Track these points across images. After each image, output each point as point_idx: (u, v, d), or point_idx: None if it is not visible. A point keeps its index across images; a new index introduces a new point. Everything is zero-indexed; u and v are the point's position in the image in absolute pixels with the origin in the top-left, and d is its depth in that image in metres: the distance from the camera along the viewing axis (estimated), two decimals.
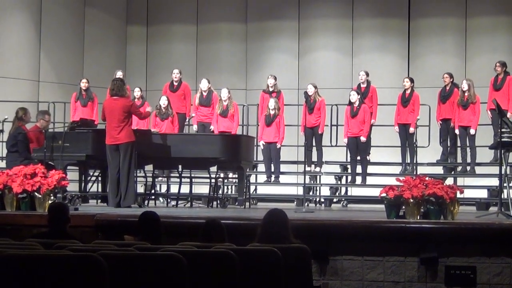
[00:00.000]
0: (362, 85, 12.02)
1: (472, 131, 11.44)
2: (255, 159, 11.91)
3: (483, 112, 11.52)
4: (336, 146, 12.32)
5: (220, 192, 11.19)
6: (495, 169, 10.06)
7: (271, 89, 12.16)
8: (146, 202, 10.73)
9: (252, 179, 12.31)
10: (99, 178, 10.98)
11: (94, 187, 11.10)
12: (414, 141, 11.83)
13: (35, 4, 14.27)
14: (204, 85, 12.18)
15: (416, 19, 14.63)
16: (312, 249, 5.82)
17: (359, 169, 11.78)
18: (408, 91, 11.80)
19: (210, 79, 12.42)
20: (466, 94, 11.39)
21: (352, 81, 13.47)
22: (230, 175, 11.45)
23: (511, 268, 7.10)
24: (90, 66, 14.66)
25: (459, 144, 11.69)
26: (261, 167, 12.35)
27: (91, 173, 11.00)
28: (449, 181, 10.34)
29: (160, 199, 11.81)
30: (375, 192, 9.10)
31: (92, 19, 15.15)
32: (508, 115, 9.91)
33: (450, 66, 13.09)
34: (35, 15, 14.26)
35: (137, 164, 9.79)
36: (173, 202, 11.27)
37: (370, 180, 11.70)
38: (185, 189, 11.22)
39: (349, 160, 11.93)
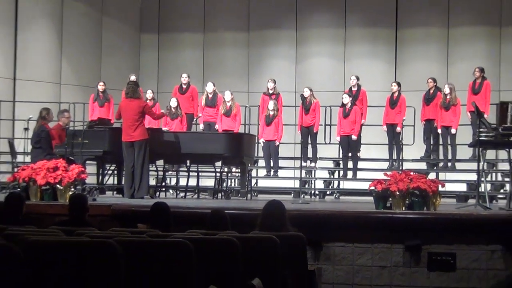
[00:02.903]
0: (353, 89, 12.02)
1: (453, 131, 11.45)
2: (256, 155, 11.89)
3: (463, 113, 11.53)
4: (329, 143, 12.32)
5: (224, 185, 11.22)
6: (473, 165, 10.04)
7: (270, 92, 12.15)
8: (157, 193, 10.73)
9: (253, 173, 12.30)
10: (115, 172, 10.98)
11: (110, 180, 11.12)
12: (400, 139, 11.86)
13: (57, 13, 14.26)
14: (209, 88, 12.17)
15: (403, 28, 14.61)
16: (307, 237, 5.83)
17: (350, 164, 11.77)
18: (396, 94, 11.80)
19: (215, 82, 12.40)
20: (448, 97, 11.40)
21: (344, 84, 13.45)
22: (233, 169, 11.45)
23: (487, 254, 7.11)
24: (107, 70, 14.66)
25: (441, 142, 11.69)
26: (261, 163, 12.34)
27: (108, 167, 11.00)
28: (432, 175, 10.34)
29: (170, 191, 11.81)
30: (365, 186, 9.11)
31: (109, 28, 15.14)
32: (486, 116, 9.90)
33: (434, 72, 13.06)
34: (57, 24, 14.26)
35: (150, 159, 9.79)
36: (182, 194, 11.29)
37: (360, 174, 11.71)
38: (192, 182, 11.23)
39: (341, 156, 11.93)
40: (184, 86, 12.31)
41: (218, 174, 10.88)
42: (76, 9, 14.60)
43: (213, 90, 12.14)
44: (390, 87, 12.08)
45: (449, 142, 11.57)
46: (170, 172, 11.72)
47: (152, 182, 10.68)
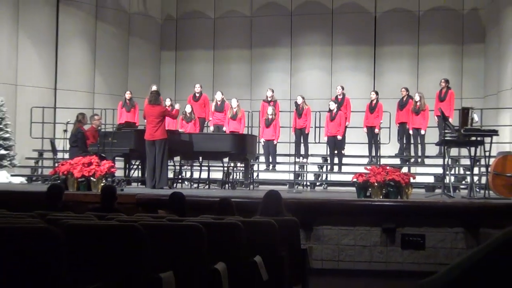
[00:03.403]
0: (339, 97, 12.02)
1: (422, 132, 11.47)
2: (257, 152, 11.92)
3: (431, 117, 11.53)
4: (318, 143, 12.33)
5: (231, 177, 11.22)
6: (439, 161, 10.06)
7: (269, 99, 12.15)
8: (174, 184, 10.73)
9: (255, 167, 12.32)
10: (139, 167, 11.01)
11: (135, 173, 11.14)
12: (378, 139, 11.87)
13: (91, 34, 14.29)
14: (218, 96, 12.20)
15: (380, 46, 14.60)
16: (300, 221, 5.84)
17: (336, 160, 11.80)
18: (374, 101, 11.82)
19: (223, 91, 12.44)
20: (418, 103, 11.41)
21: (331, 93, 13.45)
22: (238, 164, 11.46)
23: (452, 235, 7.12)
24: (132, 81, 14.67)
25: (412, 141, 11.69)
26: (262, 159, 12.38)
27: (133, 163, 11.02)
28: (404, 169, 10.33)
29: (185, 182, 11.82)
30: (348, 178, 9.14)
31: (134, 46, 15.15)
32: (450, 120, 9.90)
33: (406, 82, 13.07)
34: (91, 42, 14.29)
35: (168, 155, 9.81)
36: (195, 185, 11.30)
37: (344, 168, 11.70)
38: (204, 175, 11.27)
39: (328, 153, 11.95)
40: (197, 95, 12.32)
41: (225, 168, 10.89)
42: (107, 30, 14.63)
43: (221, 98, 12.17)
44: (370, 95, 12.11)
45: (419, 142, 11.59)
46: (185, 167, 11.73)
47: (170, 175, 10.69)
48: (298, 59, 15.03)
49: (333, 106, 11.60)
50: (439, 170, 10.06)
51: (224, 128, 11.89)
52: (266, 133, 11.82)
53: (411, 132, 11.59)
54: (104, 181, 8.63)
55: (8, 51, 12.89)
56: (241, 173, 11.80)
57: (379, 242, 7.20)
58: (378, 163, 11.06)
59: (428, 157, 11.59)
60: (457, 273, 0.29)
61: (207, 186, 11.09)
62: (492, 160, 8.52)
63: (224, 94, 12.31)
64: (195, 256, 3.88)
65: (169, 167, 10.23)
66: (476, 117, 9.26)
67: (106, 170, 8.87)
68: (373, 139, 11.86)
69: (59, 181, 8.53)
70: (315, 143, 12.35)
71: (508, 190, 8.18)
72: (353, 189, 8.39)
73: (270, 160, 11.94)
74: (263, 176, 12.62)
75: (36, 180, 11.89)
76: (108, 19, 14.69)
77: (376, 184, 7.84)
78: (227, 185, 10.85)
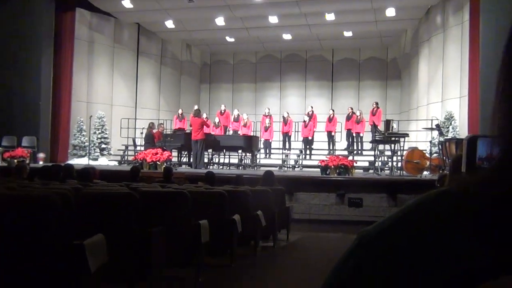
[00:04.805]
0: (309, 113, 11.93)
1: (361, 135, 11.37)
2: (259, 147, 11.86)
3: (367, 126, 11.44)
4: (297, 141, 12.27)
5: (242, 162, 11.19)
6: (372, 153, 10.03)
7: (267, 114, 12.11)
8: (208, 166, 10.73)
9: (258, 156, 12.26)
10: (187, 155, 10.99)
11: (185, 159, 11.11)
12: (334, 139, 11.79)
13: (157, 73, 14.24)
14: (235, 112, 12.18)
15: (336, 81, 14.55)
16: (286, 189, 5.84)
17: (308, 152, 11.73)
18: (331, 116, 11.73)
19: (238, 109, 12.44)
20: (358, 117, 11.34)
21: (305, 110, 13.39)
22: (247, 154, 11.44)
23: (379, 198, 7.09)
24: (183, 102, 14.60)
25: (355, 140, 11.61)
26: (262, 151, 12.34)
27: (183, 153, 11.00)
28: (350, 158, 10.28)
29: (215, 165, 11.81)
30: (315, 163, 9.10)
31: (184, 80, 15.11)
32: (379, 127, 9.84)
33: (351, 104, 12.99)
34: (158, 79, 14.25)
35: (204, 148, 9.80)
36: (221, 166, 11.26)
37: (313, 157, 11.61)
38: (226, 160, 11.22)
39: (303, 147, 11.87)
40: (222, 111, 12.29)
41: (239, 156, 10.87)
42: (167, 71, 14.55)
43: (237, 113, 12.15)
44: (329, 112, 12.02)
45: (359, 141, 11.49)
46: (215, 155, 11.72)
47: (206, 160, 10.68)
48: (284, 89, 15.00)
49: (306, 118, 11.54)
50: (371, 158, 10.02)
51: (239, 132, 11.83)
52: (265, 135, 11.77)
53: (354, 135, 11.50)
54: (165, 164, 8.64)
55: (107, 84, 12.88)
56: (249, 160, 11.79)
57: (334, 202, 7.19)
58: (334, 154, 11.01)
59: (364, 150, 11.50)
60: (387, 223, 0.28)
61: (227, 167, 11.06)
62: (404, 152, 8.50)
63: (239, 111, 12.26)
64: (220, 211, 3.88)
65: (204, 156, 10.22)
66: (395, 126, 9.23)
67: (166, 157, 8.89)
68: (331, 139, 11.78)
69: (137, 164, 8.55)
70: (295, 141, 12.27)
71: (415, 171, 8.16)
72: (318, 170, 8.37)
73: (267, 152, 11.90)
74: (262, 161, 12.60)
75: (124, 163, 11.91)
76: (168, 64, 14.60)
77: (332, 166, 7.83)
78: (240, 167, 10.81)
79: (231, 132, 12.31)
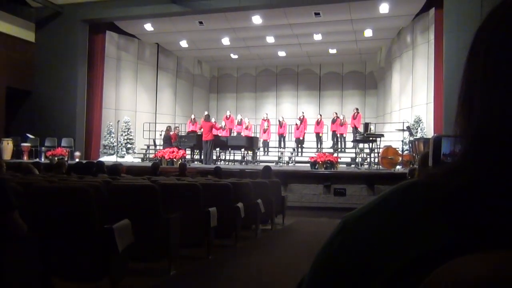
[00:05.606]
0: (301, 117, 11.88)
1: (344, 135, 11.36)
2: (259, 146, 11.84)
3: (349, 128, 11.42)
4: (290, 141, 12.23)
5: (245, 158, 11.17)
6: (353, 150, 10.00)
7: (265, 118, 12.09)
8: (216, 162, 10.69)
9: (258, 153, 12.23)
10: (199, 153, 10.95)
11: (197, 157, 11.07)
12: (322, 139, 11.75)
13: (174, 85, 14.17)
14: (239, 117, 12.15)
15: (323, 91, 14.52)
16: (281, 181, 5.83)
17: (299, 150, 11.68)
18: (319, 120, 11.69)
19: (242, 114, 12.41)
20: (342, 120, 11.30)
21: (297, 115, 13.36)
22: (249, 152, 11.42)
23: (359, 188, 7.08)
24: (195, 109, 14.57)
25: (339, 140, 11.57)
26: (261, 149, 12.30)
27: (196, 151, 10.97)
28: (335, 155, 10.26)
29: (222, 161, 11.78)
30: (306, 159, 9.07)
31: (196, 91, 15.07)
32: (359, 129, 9.82)
33: (336, 109, 12.96)
34: (174, 90, 14.17)
35: (213, 147, 9.78)
36: (227, 163, 11.23)
37: (304, 154, 11.58)
38: (231, 157, 11.19)
39: (295, 146, 11.83)
40: (228, 116, 12.27)
41: (242, 154, 10.84)
42: (182, 83, 14.48)
43: (240, 118, 12.12)
44: (317, 116, 11.98)
45: (342, 140, 11.46)
46: (222, 153, 11.71)
47: (214, 157, 10.65)
48: (280, 98, 14.97)
49: (298, 122, 11.50)
50: (353, 155, 9.99)
51: (241, 134, 11.81)
52: (263, 136, 11.75)
53: (338, 135, 11.46)
54: (180, 160, 8.63)
55: (131, 94, 12.85)
56: (250, 157, 11.78)
57: (322, 192, 7.19)
58: (321, 151, 10.99)
59: (347, 148, 11.46)
60: (367, 209, 0.28)
61: (233, 164, 11.04)
62: (381, 150, 8.48)
63: (242, 116, 12.24)
64: (226, 200, 3.87)
65: (213, 153, 10.19)
66: (372, 128, 9.20)
67: (181, 155, 8.88)
68: (319, 139, 11.74)
69: (157, 161, 8.55)
70: (289, 141, 12.24)
71: (390, 165, 8.14)
72: (309, 165, 8.35)
73: (265, 150, 11.87)
74: (261, 158, 12.58)
75: (146, 160, 11.88)
76: (182, 77, 14.54)
77: (320, 162, 7.82)
78: (243, 163, 10.79)
79: (235, 134, 12.30)
